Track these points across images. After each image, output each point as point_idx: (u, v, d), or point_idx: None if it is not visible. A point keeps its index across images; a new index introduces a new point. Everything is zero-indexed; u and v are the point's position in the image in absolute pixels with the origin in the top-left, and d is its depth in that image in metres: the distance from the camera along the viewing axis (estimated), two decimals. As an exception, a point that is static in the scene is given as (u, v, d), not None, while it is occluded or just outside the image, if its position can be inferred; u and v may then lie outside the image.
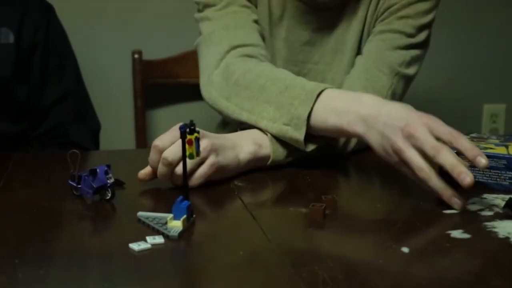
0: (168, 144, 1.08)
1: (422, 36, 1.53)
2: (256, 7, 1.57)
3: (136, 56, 2.26)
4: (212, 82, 1.40)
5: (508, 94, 2.73)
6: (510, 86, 2.73)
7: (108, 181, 1.01)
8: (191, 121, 0.93)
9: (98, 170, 1.00)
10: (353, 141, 1.32)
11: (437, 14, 1.55)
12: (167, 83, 2.00)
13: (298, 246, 0.84)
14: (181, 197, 0.90)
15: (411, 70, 1.51)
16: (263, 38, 1.54)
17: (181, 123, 0.92)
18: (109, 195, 1.02)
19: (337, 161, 1.31)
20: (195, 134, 0.91)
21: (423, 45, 1.55)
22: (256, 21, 1.51)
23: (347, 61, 1.58)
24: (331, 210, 0.94)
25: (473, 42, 2.71)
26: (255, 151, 1.21)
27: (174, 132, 1.07)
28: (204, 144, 1.06)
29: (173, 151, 1.06)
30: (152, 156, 1.09)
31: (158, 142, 1.09)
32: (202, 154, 1.04)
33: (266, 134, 1.22)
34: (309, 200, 0.99)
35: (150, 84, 2.24)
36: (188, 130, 0.91)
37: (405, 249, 0.79)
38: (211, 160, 1.10)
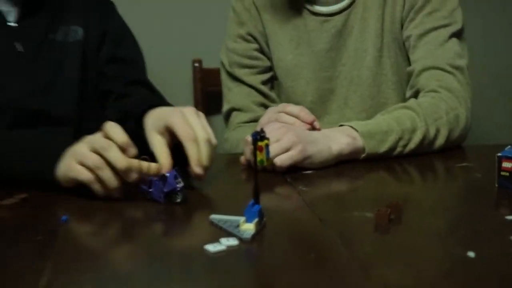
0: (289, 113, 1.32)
1: (456, 18, 1.57)
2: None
3: (196, 64, 2.32)
4: None
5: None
6: None
7: (178, 185, 1.04)
8: (262, 129, 0.96)
9: (167, 175, 1.04)
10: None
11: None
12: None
13: (366, 250, 0.85)
14: (252, 201, 0.91)
15: (463, 61, 1.54)
16: (288, 59, 1.65)
17: (254, 133, 0.95)
18: (179, 199, 1.05)
19: (393, 166, 1.33)
20: (265, 141, 0.94)
21: (461, 28, 1.57)
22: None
23: (370, 59, 1.61)
24: (396, 215, 0.95)
25: None
26: (349, 143, 1.28)
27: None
28: (288, 136, 1.18)
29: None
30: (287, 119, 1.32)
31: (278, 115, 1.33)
32: (286, 144, 1.16)
33: (357, 130, 1.29)
34: (372, 204, 1.00)
35: (210, 91, 2.27)
36: (258, 137, 0.94)
37: (471, 254, 0.80)
38: (299, 147, 1.19)
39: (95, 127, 1.53)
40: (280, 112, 1.35)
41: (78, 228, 0.97)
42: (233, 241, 0.85)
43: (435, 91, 1.45)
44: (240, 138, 1.46)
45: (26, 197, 1.04)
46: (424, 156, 1.34)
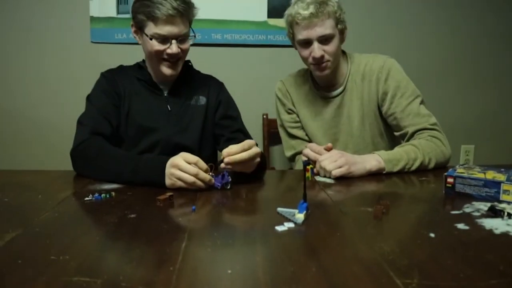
0: (312, 150, 1.34)
1: (416, 91, 1.56)
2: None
3: (264, 116, 2.35)
4: None
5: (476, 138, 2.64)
6: (478, 132, 2.63)
7: (229, 179, 1.15)
8: (308, 159, 0.99)
9: (224, 173, 1.14)
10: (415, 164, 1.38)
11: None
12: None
13: (369, 231, 0.86)
14: (302, 200, 0.95)
15: (433, 118, 1.53)
16: (309, 125, 1.71)
17: (305, 159, 0.98)
18: (229, 186, 1.16)
19: (386, 180, 1.32)
20: (310, 166, 0.97)
21: (421, 96, 1.57)
22: None
23: (356, 122, 1.63)
24: (386, 210, 0.97)
25: (459, 99, 2.60)
26: (376, 165, 1.32)
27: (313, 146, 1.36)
28: (341, 159, 1.26)
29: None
30: (309, 153, 1.33)
31: (307, 149, 1.35)
32: (340, 163, 1.26)
33: (381, 157, 1.34)
34: (372, 203, 1.02)
35: (272, 132, 2.29)
36: (306, 163, 0.97)
37: (432, 234, 0.82)
38: (346, 166, 1.26)
39: (209, 154, 1.58)
40: (310, 147, 1.38)
41: (202, 213, 0.98)
42: (291, 224, 0.89)
43: (427, 139, 1.45)
44: (301, 165, 1.58)
45: (172, 195, 1.06)
46: (404, 173, 1.35)
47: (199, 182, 1.13)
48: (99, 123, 1.42)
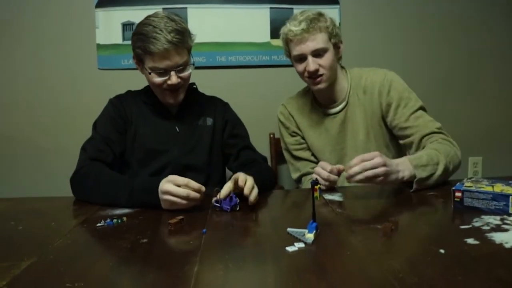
0: (323, 169, 1.36)
1: (418, 100, 1.58)
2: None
3: (271, 136, 2.36)
4: None
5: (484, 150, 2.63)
6: (486, 144, 2.62)
7: (237, 201, 1.16)
8: (316, 179, 1.00)
9: (232, 195, 1.16)
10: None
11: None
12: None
13: (378, 248, 0.87)
14: (312, 220, 0.95)
15: (438, 123, 1.53)
16: (315, 143, 1.71)
17: (313, 179, 0.99)
18: (238, 208, 1.17)
19: (393, 196, 1.32)
20: (318, 185, 0.98)
21: (422, 103, 1.57)
22: None
23: (361, 136, 1.64)
24: (395, 227, 0.97)
25: (466, 110, 2.60)
26: (409, 175, 1.29)
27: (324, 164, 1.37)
28: (382, 170, 1.22)
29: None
30: (320, 171, 1.36)
31: (318, 168, 1.38)
32: (382, 174, 1.22)
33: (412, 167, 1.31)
34: (380, 220, 1.02)
35: (279, 151, 2.24)
36: (314, 183, 0.98)
37: (442, 250, 0.83)
38: (381, 178, 1.23)
39: (218, 174, 1.59)
40: (322, 166, 1.39)
41: (213, 236, 0.99)
42: (301, 245, 0.90)
43: (440, 142, 1.45)
44: (307, 185, 1.57)
45: (182, 218, 1.07)
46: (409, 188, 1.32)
47: (192, 203, 1.17)
48: (100, 150, 1.44)
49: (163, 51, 1.39)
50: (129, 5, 2.30)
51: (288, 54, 1.59)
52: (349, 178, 1.23)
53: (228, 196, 1.18)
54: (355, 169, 1.22)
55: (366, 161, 1.22)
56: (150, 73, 1.45)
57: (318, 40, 1.49)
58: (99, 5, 2.29)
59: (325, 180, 1.36)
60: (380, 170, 1.22)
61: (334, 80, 1.62)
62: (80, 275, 0.78)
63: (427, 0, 2.49)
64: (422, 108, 1.57)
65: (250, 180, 1.21)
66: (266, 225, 1.08)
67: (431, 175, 1.33)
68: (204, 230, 1.00)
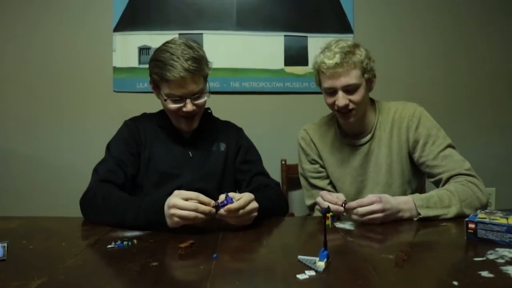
0: (329, 199, 1.33)
1: (446, 137, 1.56)
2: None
3: (283, 162, 2.36)
4: None
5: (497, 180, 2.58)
6: (499, 175, 2.57)
7: (233, 200, 1.17)
8: (328, 207, 1.00)
9: (227, 197, 1.18)
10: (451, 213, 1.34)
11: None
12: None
13: (391, 278, 0.86)
14: (323, 248, 0.95)
15: (467, 163, 1.51)
16: (336, 173, 1.69)
17: (325, 208, 0.99)
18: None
19: (405, 225, 1.31)
20: (330, 213, 0.98)
21: (450, 141, 1.56)
22: None
23: (384, 171, 1.61)
24: (407, 257, 0.96)
25: (479, 140, 2.56)
26: (409, 216, 1.31)
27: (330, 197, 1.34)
28: (377, 205, 1.25)
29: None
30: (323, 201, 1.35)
31: (323, 196, 1.37)
32: (378, 219, 1.25)
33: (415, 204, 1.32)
34: (393, 250, 1.01)
35: (290, 177, 2.31)
36: (326, 211, 0.98)
37: (455, 283, 0.81)
38: (379, 219, 1.26)
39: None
40: (322, 196, 1.39)
41: (223, 260, 0.98)
42: (312, 273, 0.89)
43: (462, 183, 1.43)
44: (318, 214, 1.56)
45: (193, 242, 1.06)
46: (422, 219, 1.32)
47: (200, 216, 1.15)
48: (111, 171, 1.45)
49: (179, 79, 1.41)
50: (146, 30, 2.35)
51: (319, 83, 1.57)
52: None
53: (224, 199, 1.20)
54: (353, 216, 1.29)
55: (363, 207, 1.27)
56: (165, 100, 1.48)
57: (351, 76, 1.46)
58: (117, 29, 2.35)
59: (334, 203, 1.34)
60: (377, 216, 1.27)
61: (363, 112, 1.61)
62: (90, 296, 0.78)
63: (444, 28, 2.50)
64: (451, 146, 1.55)
65: (246, 197, 1.21)
66: (277, 252, 1.07)
67: (438, 216, 1.33)
68: (215, 255, 1.00)
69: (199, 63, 1.43)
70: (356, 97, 1.49)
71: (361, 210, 1.27)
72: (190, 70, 1.40)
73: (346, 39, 1.54)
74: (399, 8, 2.49)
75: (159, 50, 1.47)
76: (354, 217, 1.29)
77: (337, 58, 1.44)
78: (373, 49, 1.53)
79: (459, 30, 2.51)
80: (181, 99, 1.46)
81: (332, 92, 1.50)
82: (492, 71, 2.55)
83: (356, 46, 1.50)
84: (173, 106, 1.47)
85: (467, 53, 2.52)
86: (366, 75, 1.50)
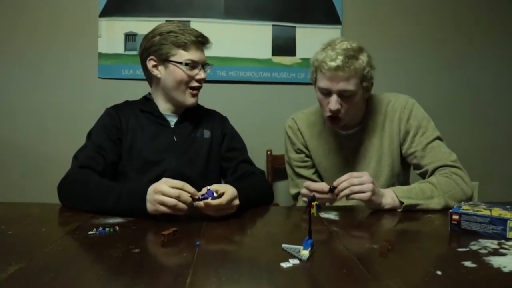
0: (315, 188, 1.30)
1: (435, 130, 1.56)
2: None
3: (269, 152, 2.35)
4: None
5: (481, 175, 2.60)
6: (482, 169, 2.59)
7: (214, 194, 1.16)
8: (314, 195, 0.99)
9: (208, 190, 1.17)
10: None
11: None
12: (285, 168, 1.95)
13: (375, 267, 0.85)
14: (307, 237, 0.94)
15: (454, 155, 1.52)
16: (323, 163, 1.69)
17: (310, 196, 0.98)
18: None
19: (389, 216, 1.31)
20: (316, 202, 0.97)
21: (439, 134, 1.56)
22: None
23: (371, 166, 1.61)
24: (391, 247, 0.96)
25: (461, 135, 2.59)
26: (391, 203, 1.32)
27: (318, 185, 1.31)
28: (369, 186, 1.25)
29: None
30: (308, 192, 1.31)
31: (309, 186, 1.32)
32: (368, 190, 1.25)
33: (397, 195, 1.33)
34: (377, 240, 1.02)
35: (276, 168, 2.31)
36: (311, 199, 0.97)
37: (439, 272, 0.81)
38: (368, 194, 1.25)
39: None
40: (307, 186, 1.36)
41: (206, 248, 0.97)
42: (296, 261, 0.88)
43: (446, 175, 1.43)
44: (302, 204, 1.55)
45: (176, 230, 1.05)
46: (407, 210, 1.32)
47: (181, 205, 1.13)
48: (91, 158, 1.43)
49: (197, 43, 1.51)
50: (132, 16, 2.31)
51: (314, 80, 1.52)
52: (337, 192, 1.28)
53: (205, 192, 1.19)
54: (343, 184, 1.27)
55: (354, 178, 1.27)
56: (186, 64, 1.51)
57: (350, 82, 1.42)
58: (103, 14, 2.30)
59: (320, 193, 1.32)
60: (367, 186, 1.26)
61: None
62: (69, 283, 0.76)
63: (431, 24, 2.51)
64: (439, 138, 1.55)
65: (228, 196, 1.19)
66: (261, 240, 1.06)
67: (420, 205, 1.33)
68: (198, 242, 0.99)
69: (203, 36, 1.55)
70: (350, 104, 1.46)
71: (354, 180, 1.27)
72: (204, 36, 1.55)
73: (351, 41, 1.47)
74: (389, 1, 2.48)
75: (160, 27, 1.54)
76: (345, 191, 1.26)
77: (339, 61, 1.38)
78: (360, 42, 1.51)
79: (447, 24, 2.52)
80: (195, 66, 1.53)
81: (327, 93, 1.46)
82: (478, 67, 2.57)
83: (360, 50, 1.45)
84: (189, 72, 1.52)
85: (454, 47, 2.53)
86: (364, 83, 1.47)
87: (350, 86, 1.42)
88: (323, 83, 1.44)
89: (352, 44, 1.44)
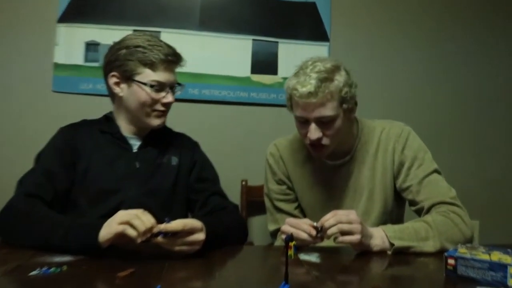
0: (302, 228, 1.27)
1: (433, 162, 1.56)
2: None
3: (243, 183, 2.34)
4: None
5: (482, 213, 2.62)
6: (483, 207, 2.62)
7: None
8: (291, 234, 0.98)
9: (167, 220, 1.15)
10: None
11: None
12: (263, 201, 1.94)
13: None
14: (283, 282, 0.93)
15: (453, 191, 1.51)
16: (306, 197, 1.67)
17: (288, 235, 0.97)
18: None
19: (378, 258, 1.30)
20: (293, 242, 0.96)
21: (437, 166, 1.56)
22: None
23: (362, 200, 1.60)
24: None
25: (461, 169, 2.62)
26: (380, 245, 1.31)
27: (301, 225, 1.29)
28: (358, 227, 1.24)
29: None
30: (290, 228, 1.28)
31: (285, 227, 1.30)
32: (357, 232, 1.23)
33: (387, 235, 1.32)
34: (364, 286, 1.01)
35: (251, 201, 2.29)
36: (289, 239, 0.96)
37: None
38: (357, 236, 1.23)
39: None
40: (289, 222, 1.34)
41: None
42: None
43: (443, 214, 1.42)
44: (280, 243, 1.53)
45: (134, 271, 1.03)
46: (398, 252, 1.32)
47: (131, 231, 1.11)
48: (39, 186, 1.40)
49: (166, 63, 1.48)
50: (96, 23, 2.30)
51: (290, 107, 1.50)
52: (324, 231, 1.26)
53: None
54: (330, 221, 1.25)
55: (342, 215, 1.26)
56: (151, 86, 1.48)
57: (326, 108, 1.40)
58: (62, 19, 2.29)
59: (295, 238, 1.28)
60: (355, 227, 1.25)
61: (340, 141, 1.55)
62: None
63: (422, 41, 2.57)
64: (436, 171, 1.55)
65: (186, 222, 1.17)
66: (231, 285, 1.04)
67: (413, 248, 1.33)
68: (159, 286, 0.96)
69: (175, 54, 1.51)
70: (331, 130, 1.44)
71: (342, 217, 1.26)
72: (176, 54, 1.51)
73: (325, 60, 1.45)
74: (379, 19, 2.55)
75: (128, 39, 1.51)
76: (332, 229, 1.24)
77: (311, 86, 1.36)
78: (349, 60, 1.53)
79: (438, 43, 2.60)
80: (162, 88, 1.49)
81: (304, 122, 1.45)
82: (477, 94, 2.63)
83: (335, 69, 1.43)
84: (155, 95, 1.49)
85: (445, 66, 2.60)
86: (345, 105, 1.44)
87: (327, 111, 1.40)
88: (298, 112, 1.44)
89: (326, 65, 1.41)
